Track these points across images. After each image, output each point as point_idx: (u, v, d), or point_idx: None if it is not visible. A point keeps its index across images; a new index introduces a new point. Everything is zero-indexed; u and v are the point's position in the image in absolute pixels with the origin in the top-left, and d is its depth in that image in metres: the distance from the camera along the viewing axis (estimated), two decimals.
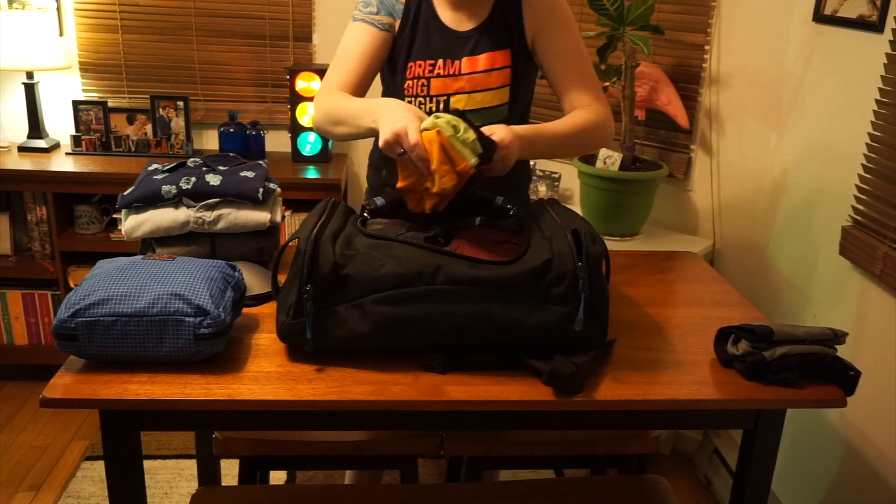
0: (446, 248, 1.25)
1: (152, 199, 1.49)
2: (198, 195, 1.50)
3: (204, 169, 1.57)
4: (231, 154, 1.70)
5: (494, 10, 1.63)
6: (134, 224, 1.49)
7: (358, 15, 1.63)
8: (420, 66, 1.62)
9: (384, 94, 1.70)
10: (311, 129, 2.95)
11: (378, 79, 1.70)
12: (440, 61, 1.61)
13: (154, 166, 1.60)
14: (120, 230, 2.81)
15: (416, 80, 1.62)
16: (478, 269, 1.19)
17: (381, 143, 1.30)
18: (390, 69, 1.67)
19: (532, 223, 1.37)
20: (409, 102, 1.60)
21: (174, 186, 1.49)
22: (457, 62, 1.61)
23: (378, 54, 1.61)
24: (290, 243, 1.28)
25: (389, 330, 1.19)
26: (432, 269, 1.18)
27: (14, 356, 2.94)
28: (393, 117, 1.30)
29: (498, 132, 1.34)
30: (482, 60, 1.61)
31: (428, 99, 1.62)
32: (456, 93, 1.61)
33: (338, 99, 1.54)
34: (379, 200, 1.43)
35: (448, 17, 1.63)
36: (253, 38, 3.03)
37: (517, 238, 1.36)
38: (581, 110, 1.59)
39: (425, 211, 1.33)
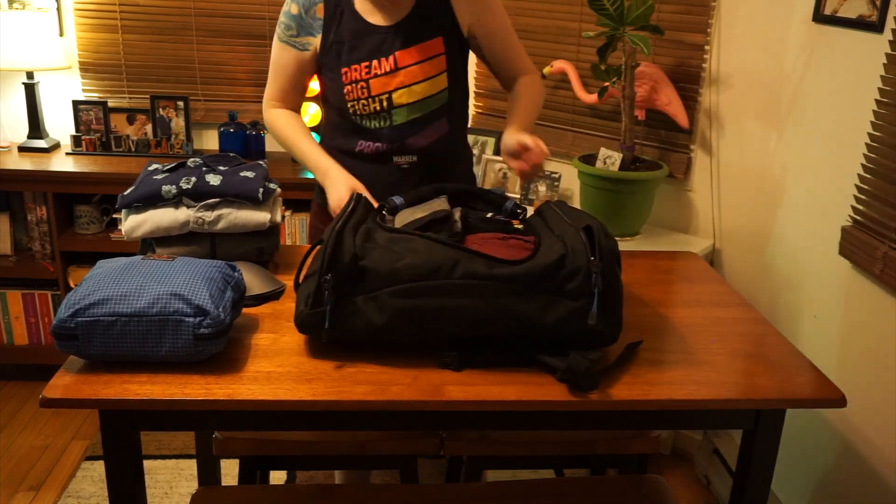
0: (463, 245, 1.26)
1: (152, 199, 1.49)
2: (198, 195, 1.50)
3: (204, 169, 1.57)
4: (231, 154, 1.71)
5: (418, 1, 1.66)
6: (134, 224, 1.49)
7: (281, 36, 1.73)
8: (356, 69, 1.67)
9: (325, 98, 1.78)
10: (310, 129, 2.94)
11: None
12: (375, 61, 1.66)
13: (154, 166, 1.60)
14: (120, 230, 2.82)
15: (354, 84, 1.67)
16: (495, 265, 1.20)
17: (330, 209, 1.63)
18: (328, 78, 1.72)
19: (540, 223, 1.37)
20: (353, 105, 1.68)
21: (174, 186, 1.49)
22: (391, 58, 1.65)
23: (304, 72, 1.75)
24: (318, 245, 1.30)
25: (406, 322, 1.20)
26: (451, 263, 1.19)
27: (14, 356, 2.94)
28: (337, 193, 1.61)
29: (524, 138, 1.54)
30: (415, 52, 1.65)
31: (371, 99, 1.67)
32: (396, 88, 1.66)
33: (289, 129, 1.74)
34: (398, 199, 1.47)
35: (373, 16, 1.67)
36: (253, 38, 3.03)
37: (525, 236, 1.36)
38: (528, 79, 1.80)
39: None
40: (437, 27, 1.66)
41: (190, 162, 1.59)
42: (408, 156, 1.71)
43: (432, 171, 1.74)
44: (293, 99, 1.79)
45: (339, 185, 1.62)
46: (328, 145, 1.77)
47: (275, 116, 1.77)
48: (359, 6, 1.68)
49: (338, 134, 1.76)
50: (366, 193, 1.56)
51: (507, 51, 1.78)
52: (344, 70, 1.67)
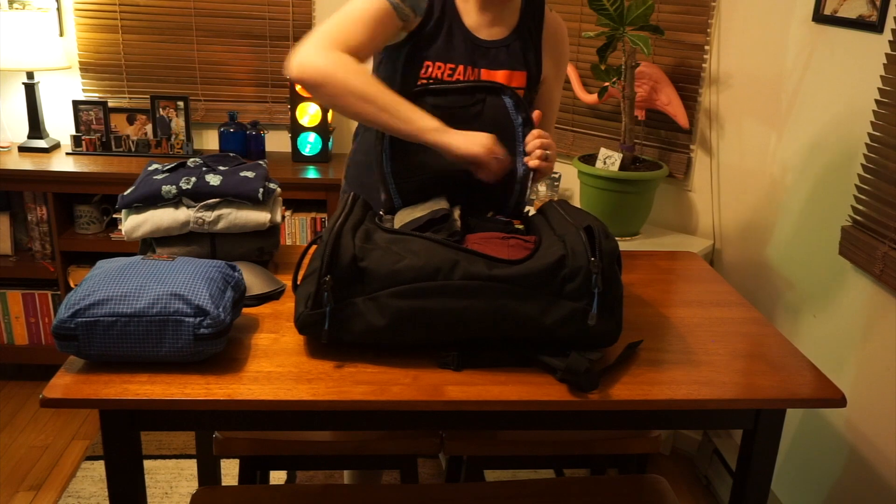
0: (463, 245, 1.26)
1: (152, 200, 1.49)
2: (198, 195, 1.50)
3: (204, 169, 1.57)
4: (231, 154, 1.70)
5: (521, 25, 1.61)
6: (134, 224, 1.49)
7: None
8: (439, 67, 1.57)
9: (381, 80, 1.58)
10: (311, 129, 2.95)
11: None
12: (461, 67, 1.57)
13: (154, 166, 1.60)
14: (120, 230, 2.82)
15: (430, 77, 1.57)
16: (495, 265, 1.20)
17: (479, 154, 1.41)
18: (400, 64, 1.58)
19: (542, 222, 1.37)
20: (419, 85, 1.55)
21: (174, 186, 1.49)
22: (475, 70, 1.58)
23: (387, 39, 1.54)
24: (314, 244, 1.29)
25: (406, 324, 1.20)
26: (451, 264, 1.19)
27: (14, 356, 2.94)
28: (477, 140, 1.41)
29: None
30: (500, 76, 1.59)
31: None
32: None
33: (376, 84, 1.44)
34: (396, 199, 1.46)
35: (472, 21, 1.59)
36: (253, 38, 3.03)
37: (526, 236, 1.36)
38: None
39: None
40: (525, 61, 1.62)
41: (190, 162, 1.59)
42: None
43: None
44: (364, 59, 1.50)
45: (473, 133, 1.42)
46: (372, 146, 1.61)
47: (348, 62, 1.43)
48: (461, 7, 1.59)
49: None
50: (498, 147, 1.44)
51: (548, 118, 1.76)
52: (427, 63, 1.57)
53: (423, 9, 1.55)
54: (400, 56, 1.58)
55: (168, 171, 1.55)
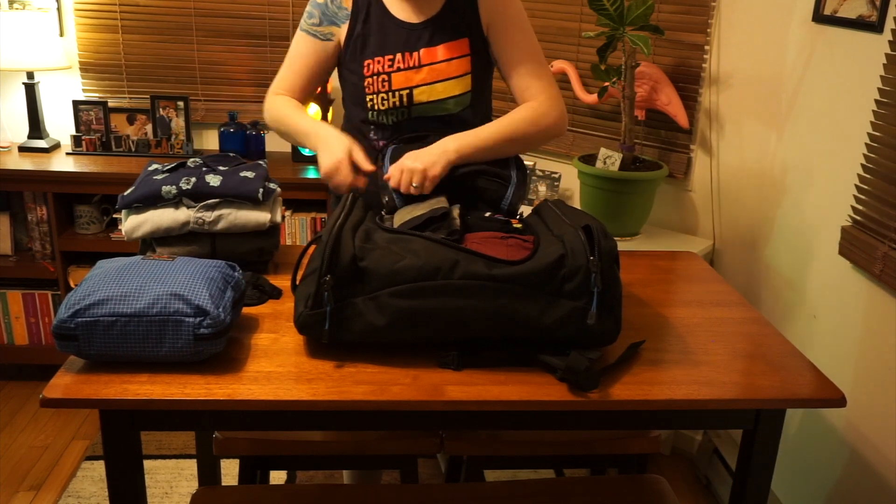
0: (462, 245, 1.26)
1: (152, 200, 1.49)
2: (198, 195, 1.50)
3: (204, 169, 1.57)
4: (231, 154, 1.70)
5: (448, 1, 1.64)
6: (134, 224, 1.49)
7: (303, 25, 1.70)
8: (378, 62, 1.64)
9: (344, 94, 1.75)
10: None
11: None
12: (399, 55, 1.63)
13: (154, 166, 1.60)
14: (120, 230, 2.82)
15: (375, 77, 1.64)
16: (495, 265, 1.20)
17: (322, 170, 1.53)
18: (349, 71, 1.69)
19: (539, 223, 1.38)
20: (371, 99, 1.65)
21: (174, 187, 1.49)
22: (415, 54, 1.63)
23: (322, 64, 1.70)
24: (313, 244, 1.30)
25: (406, 323, 1.20)
26: (451, 264, 1.19)
27: (14, 356, 2.94)
28: (330, 152, 1.53)
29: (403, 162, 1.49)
30: (441, 51, 1.63)
31: (390, 94, 1.64)
32: (418, 85, 1.63)
33: (285, 108, 1.67)
34: (397, 199, 1.46)
35: (400, 10, 1.65)
36: (253, 38, 3.03)
37: (524, 235, 1.37)
38: (525, 107, 1.64)
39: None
40: (464, 28, 1.64)
41: (190, 162, 1.59)
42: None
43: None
44: (301, 93, 1.72)
45: (333, 144, 1.54)
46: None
47: (274, 100, 1.69)
48: (388, 1, 1.66)
49: (355, 132, 1.71)
50: (358, 154, 1.52)
51: (517, 66, 1.66)
52: (367, 62, 1.64)
53: (344, 16, 1.66)
54: (344, 64, 1.69)
55: (168, 171, 1.55)
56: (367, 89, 1.65)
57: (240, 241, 1.53)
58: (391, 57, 1.63)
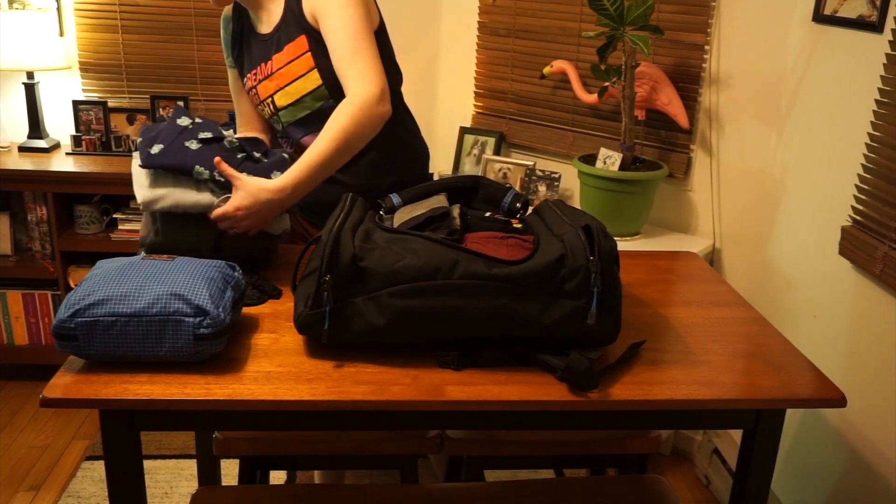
0: (462, 245, 1.26)
1: (181, 172, 1.45)
2: (227, 187, 1.47)
3: (239, 157, 1.51)
4: (259, 139, 1.67)
5: (287, 4, 1.67)
6: (154, 196, 1.44)
7: (227, 62, 1.84)
8: (249, 78, 1.75)
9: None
10: None
11: None
12: (258, 67, 1.72)
13: (185, 120, 1.52)
14: (120, 229, 2.82)
15: (252, 91, 1.75)
16: (495, 265, 1.20)
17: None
18: (242, 89, 1.82)
19: (539, 223, 1.38)
20: (259, 110, 1.78)
21: (208, 171, 1.45)
22: (269, 63, 1.69)
23: (242, 90, 1.82)
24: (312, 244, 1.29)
25: (406, 323, 1.20)
26: (450, 263, 1.19)
27: (14, 356, 2.94)
28: (234, 199, 1.47)
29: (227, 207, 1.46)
30: (284, 54, 1.66)
31: (262, 105, 1.74)
32: (276, 91, 1.69)
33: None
34: (395, 199, 1.46)
35: (259, 24, 1.72)
36: None
37: (524, 235, 1.37)
38: (340, 108, 1.51)
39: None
40: (299, 26, 1.64)
41: (227, 142, 1.52)
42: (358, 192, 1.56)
43: (348, 169, 1.64)
44: (257, 122, 1.84)
45: (241, 195, 1.46)
46: None
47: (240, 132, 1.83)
48: (252, 19, 1.74)
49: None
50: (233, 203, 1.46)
51: (335, 56, 1.56)
52: (245, 79, 1.77)
53: (229, 40, 1.78)
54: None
55: (203, 142, 1.49)
56: (253, 102, 1.77)
57: (247, 240, 1.52)
58: (255, 70, 1.72)
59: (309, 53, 1.64)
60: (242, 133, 1.82)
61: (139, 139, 1.51)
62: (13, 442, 2.61)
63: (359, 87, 1.51)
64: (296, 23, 1.64)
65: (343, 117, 1.49)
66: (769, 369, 1.28)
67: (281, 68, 1.66)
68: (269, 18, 1.69)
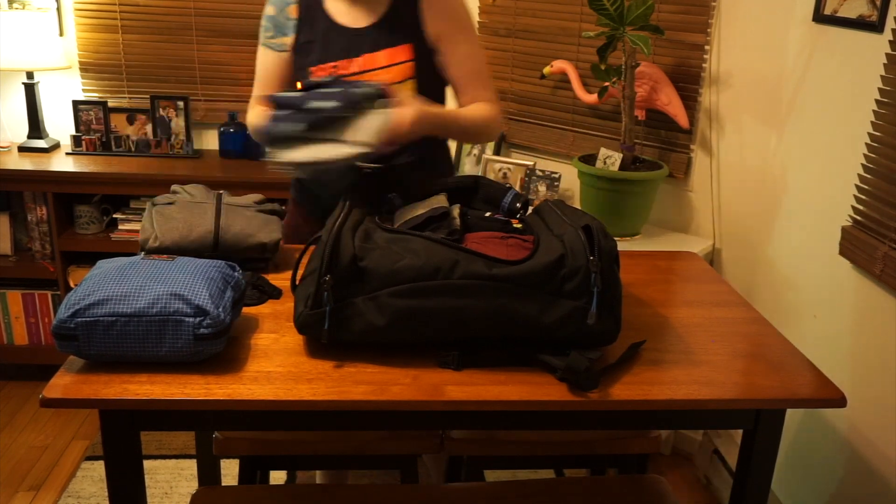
0: (462, 245, 1.26)
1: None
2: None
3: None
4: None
5: (392, 5, 1.65)
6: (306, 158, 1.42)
7: (262, 40, 1.75)
8: (322, 69, 1.67)
9: None
10: None
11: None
12: (342, 61, 1.66)
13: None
14: (120, 230, 2.82)
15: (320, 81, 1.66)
16: (495, 265, 1.20)
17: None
18: (299, 77, 1.72)
19: (539, 223, 1.38)
20: None
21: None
22: (356, 60, 1.65)
23: (282, 74, 1.75)
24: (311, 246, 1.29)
25: (406, 323, 1.20)
26: (450, 263, 1.19)
27: (14, 356, 2.94)
28: None
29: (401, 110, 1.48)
30: (381, 56, 1.63)
31: None
32: None
33: (261, 118, 1.65)
34: (396, 200, 1.46)
35: (344, 17, 1.67)
36: (253, 39, 2.99)
37: (524, 235, 1.37)
38: (484, 104, 1.71)
39: None
40: (407, 34, 1.64)
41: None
42: (371, 162, 1.59)
43: (398, 181, 1.61)
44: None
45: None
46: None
47: (252, 112, 1.78)
48: (330, 6, 1.68)
49: None
50: None
51: (468, 80, 1.71)
52: (312, 69, 1.68)
53: (291, 26, 1.70)
54: (295, 72, 1.73)
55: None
56: None
57: (245, 239, 1.52)
58: (334, 64, 1.66)
59: (412, 64, 1.64)
60: (256, 107, 1.76)
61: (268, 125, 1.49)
62: (13, 442, 2.61)
63: (497, 112, 1.74)
64: (404, 29, 1.63)
65: (490, 117, 1.71)
66: (769, 369, 1.28)
67: (373, 70, 1.63)
68: (366, 14, 1.65)
